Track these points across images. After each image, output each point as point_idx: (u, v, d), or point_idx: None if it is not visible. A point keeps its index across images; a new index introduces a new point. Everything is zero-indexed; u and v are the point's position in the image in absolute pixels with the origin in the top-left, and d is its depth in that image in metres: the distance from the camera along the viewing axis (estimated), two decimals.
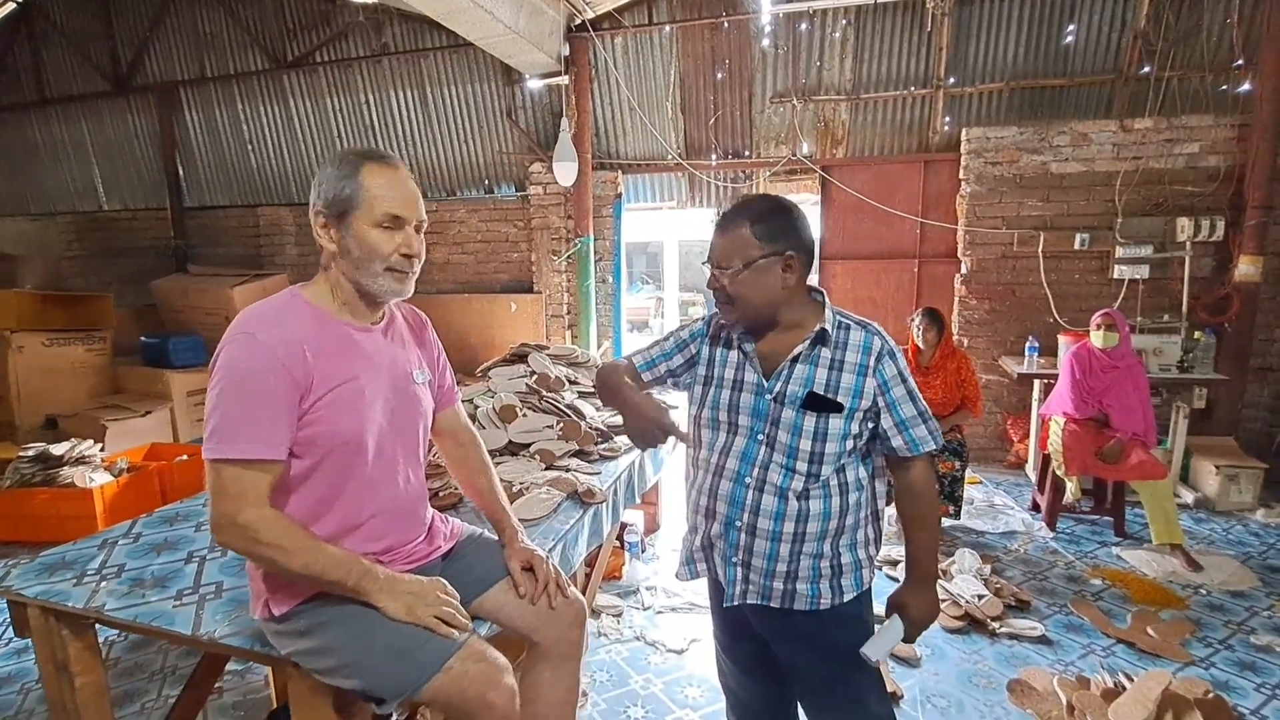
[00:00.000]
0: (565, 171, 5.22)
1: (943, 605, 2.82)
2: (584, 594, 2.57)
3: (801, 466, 1.35)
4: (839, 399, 1.33)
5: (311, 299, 1.33)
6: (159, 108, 6.73)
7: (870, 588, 1.46)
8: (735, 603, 1.43)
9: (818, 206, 5.23)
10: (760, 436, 1.39)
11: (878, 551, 1.47)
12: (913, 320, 3.67)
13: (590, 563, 2.78)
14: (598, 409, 3.00)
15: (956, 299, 4.89)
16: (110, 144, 7.14)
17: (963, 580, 2.99)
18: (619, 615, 2.90)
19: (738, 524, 1.40)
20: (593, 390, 3.20)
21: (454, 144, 5.97)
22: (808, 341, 1.36)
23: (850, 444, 1.35)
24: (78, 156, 7.32)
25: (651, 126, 5.42)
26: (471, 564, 1.54)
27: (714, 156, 5.40)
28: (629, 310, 16.38)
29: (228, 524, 1.19)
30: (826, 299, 1.44)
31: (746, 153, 5.34)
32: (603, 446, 2.64)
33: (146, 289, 6.30)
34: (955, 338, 4.83)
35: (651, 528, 3.72)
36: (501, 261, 5.99)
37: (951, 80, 4.78)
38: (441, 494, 2.12)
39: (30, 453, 3.81)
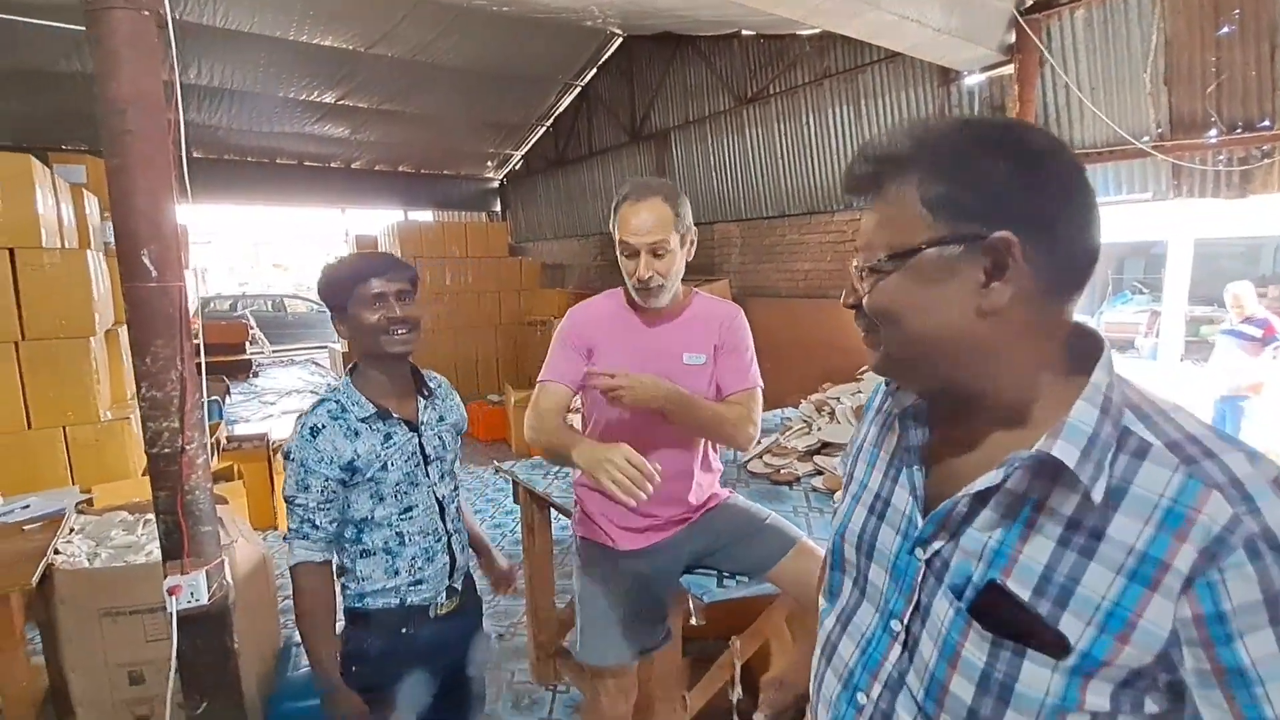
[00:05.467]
0: None
1: None
2: None
3: None
4: (1061, 626, 0.59)
5: (621, 297, 1.85)
6: (657, 150, 8.66)
7: None
8: None
9: None
10: (895, 625, 0.72)
11: None
12: None
13: None
14: None
15: None
16: (624, 180, 9.49)
17: None
18: None
19: None
20: None
21: None
22: (1017, 469, 0.61)
23: None
24: (605, 191, 9.96)
25: (1116, 107, 4.57)
26: (751, 544, 1.79)
27: (1214, 133, 4.25)
28: (1108, 326, 13.53)
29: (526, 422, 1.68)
30: (1109, 369, 0.63)
31: (1266, 122, 4.04)
32: None
33: None
34: None
35: None
36: None
37: None
38: (782, 470, 2.45)
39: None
